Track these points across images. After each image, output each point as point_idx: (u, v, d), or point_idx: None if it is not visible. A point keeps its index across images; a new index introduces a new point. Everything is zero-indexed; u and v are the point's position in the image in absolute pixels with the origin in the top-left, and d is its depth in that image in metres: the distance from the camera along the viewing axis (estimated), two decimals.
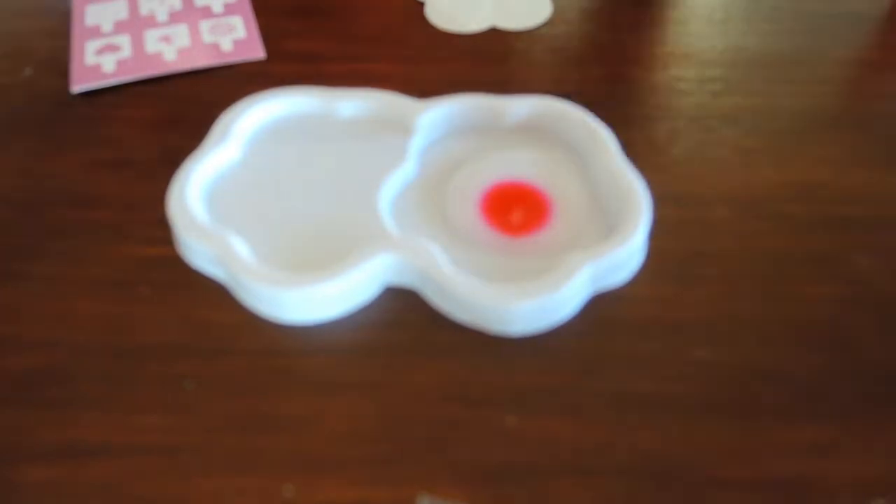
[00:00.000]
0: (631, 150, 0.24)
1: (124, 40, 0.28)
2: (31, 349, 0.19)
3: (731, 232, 0.22)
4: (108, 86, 0.27)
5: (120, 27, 0.29)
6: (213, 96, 0.26)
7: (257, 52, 0.28)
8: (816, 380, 0.19)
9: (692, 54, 0.28)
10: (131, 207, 0.23)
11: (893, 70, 0.28)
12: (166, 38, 0.28)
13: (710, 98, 0.27)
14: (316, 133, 0.24)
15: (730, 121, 0.26)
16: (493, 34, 0.29)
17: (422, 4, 0.31)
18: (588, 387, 0.19)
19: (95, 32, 0.29)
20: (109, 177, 0.24)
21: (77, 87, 0.26)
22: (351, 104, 0.25)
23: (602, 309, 0.20)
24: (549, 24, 0.30)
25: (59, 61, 0.28)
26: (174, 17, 0.29)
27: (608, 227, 0.21)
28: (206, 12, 0.30)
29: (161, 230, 0.22)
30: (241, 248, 0.20)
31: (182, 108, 0.26)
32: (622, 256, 0.20)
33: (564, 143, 0.24)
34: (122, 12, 0.30)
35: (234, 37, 0.29)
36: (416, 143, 0.24)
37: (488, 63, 0.28)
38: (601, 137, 0.23)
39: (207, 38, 0.29)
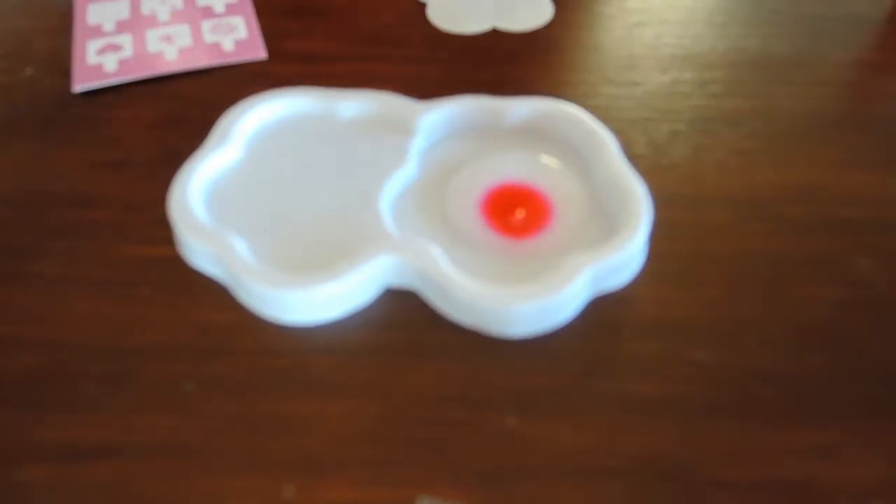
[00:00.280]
0: (631, 151, 0.24)
1: (126, 40, 0.28)
2: (32, 349, 0.19)
3: (731, 234, 0.22)
4: (109, 85, 0.27)
5: (121, 27, 0.29)
6: (214, 96, 0.26)
7: (259, 53, 0.28)
8: (817, 382, 0.19)
9: (693, 56, 0.29)
10: (132, 207, 0.23)
11: (894, 72, 0.28)
12: (168, 38, 0.28)
13: (711, 100, 0.27)
14: (317, 134, 0.24)
15: (730, 123, 0.26)
16: (494, 35, 0.29)
17: (423, 5, 0.31)
18: (588, 388, 0.19)
19: (97, 32, 0.29)
20: (110, 177, 0.24)
21: (78, 86, 0.26)
22: (352, 105, 0.25)
23: (602, 311, 0.20)
24: (550, 25, 0.30)
25: (60, 60, 0.28)
26: (176, 17, 0.30)
27: (609, 229, 0.21)
28: (208, 12, 0.30)
29: (162, 230, 0.22)
30: (241, 248, 0.20)
31: (183, 108, 0.26)
32: (623, 258, 0.20)
33: (565, 144, 0.24)
34: (123, 12, 0.30)
35: (235, 37, 0.29)
36: (417, 144, 0.24)
37: (489, 64, 0.28)
38: (602, 139, 0.23)
39: (209, 37, 0.29)
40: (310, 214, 0.22)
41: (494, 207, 0.22)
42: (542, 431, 0.18)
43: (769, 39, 0.29)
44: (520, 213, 0.22)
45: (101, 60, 0.27)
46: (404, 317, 0.20)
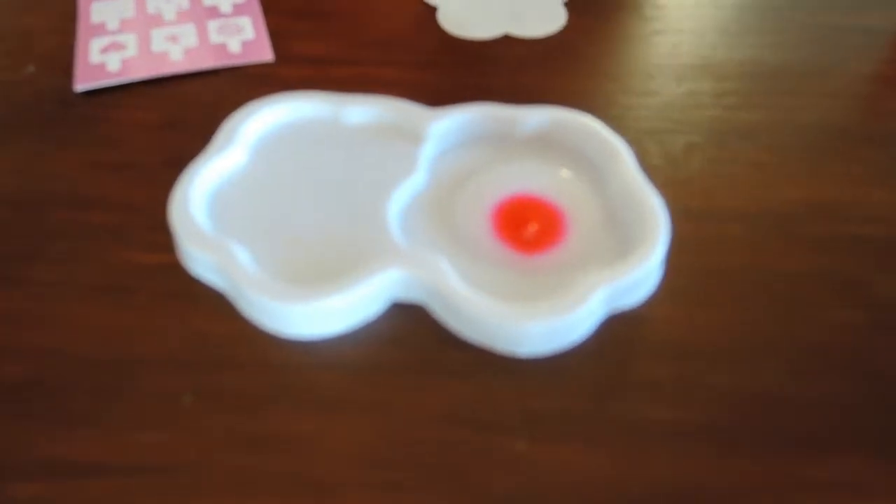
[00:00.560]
0: (647, 163, 0.23)
1: (130, 39, 0.28)
2: (23, 358, 0.19)
3: (747, 250, 0.22)
4: (112, 85, 0.26)
5: (126, 25, 0.28)
6: (219, 98, 0.26)
7: (265, 55, 0.27)
8: (841, 409, 0.18)
9: (709, 66, 0.28)
10: (132, 211, 0.22)
11: None
12: (173, 38, 0.28)
13: (726, 112, 0.26)
14: (323, 139, 0.23)
15: (746, 135, 0.25)
16: (506, 41, 0.29)
17: (434, 9, 0.30)
18: (601, 413, 0.18)
19: (101, 30, 0.28)
20: (110, 179, 0.23)
21: (80, 85, 0.26)
22: (360, 110, 0.24)
23: (616, 330, 0.20)
24: (563, 32, 0.29)
25: (62, 59, 0.27)
26: (182, 16, 0.29)
27: (624, 244, 0.21)
28: (214, 12, 0.29)
29: (162, 236, 0.21)
30: (243, 257, 0.20)
31: (187, 109, 0.26)
32: (639, 276, 0.20)
33: (579, 155, 0.23)
34: (128, 10, 0.29)
35: (242, 38, 0.28)
36: (427, 152, 0.23)
37: (501, 71, 0.27)
38: (618, 151, 0.23)
39: (215, 38, 0.28)
40: (315, 223, 0.21)
41: (506, 221, 0.21)
42: (553, 456, 0.17)
43: (785, 50, 0.29)
44: (532, 227, 0.21)
45: (104, 59, 0.27)
46: (411, 332, 0.20)
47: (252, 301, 0.19)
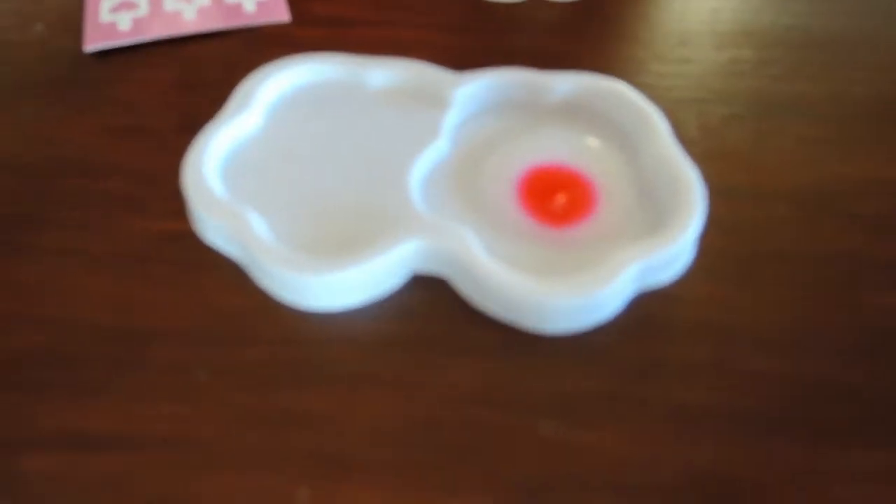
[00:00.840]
0: (683, 135, 0.22)
1: None
2: (34, 327, 0.18)
3: (795, 231, 0.20)
4: (122, 46, 0.25)
5: None
6: (234, 60, 0.25)
7: (282, 15, 0.26)
8: (888, 397, 0.17)
9: (752, 33, 0.26)
10: (145, 177, 0.21)
11: None
12: None
13: (771, 82, 0.25)
14: (343, 104, 0.22)
15: (792, 108, 0.24)
16: (536, 3, 0.27)
17: None
18: (631, 394, 0.17)
19: None
20: (122, 144, 0.22)
21: (90, 46, 0.25)
22: (381, 74, 0.23)
23: (648, 308, 0.19)
24: None
25: (71, 17, 0.26)
26: None
27: (657, 217, 0.20)
28: None
29: (175, 203, 0.20)
30: (259, 226, 0.19)
31: (201, 72, 0.25)
32: (673, 253, 0.19)
33: (612, 124, 0.22)
34: None
35: None
36: (451, 118, 0.22)
37: (529, 34, 0.26)
38: (652, 121, 0.21)
39: None
40: (333, 191, 0.20)
41: (533, 192, 0.20)
42: (580, 440, 0.16)
43: (836, 17, 0.27)
44: (560, 199, 0.20)
45: (114, 19, 0.26)
46: (433, 306, 0.19)
47: (268, 272, 0.18)
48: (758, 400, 0.17)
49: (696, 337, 0.18)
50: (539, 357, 0.18)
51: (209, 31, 0.25)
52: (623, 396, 0.17)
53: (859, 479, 0.16)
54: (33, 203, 0.21)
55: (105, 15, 0.26)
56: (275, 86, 0.22)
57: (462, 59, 0.24)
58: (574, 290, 0.18)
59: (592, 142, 0.22)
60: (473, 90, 0.22)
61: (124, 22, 0.26)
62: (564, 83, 0.22)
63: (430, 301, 0.19)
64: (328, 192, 0.20)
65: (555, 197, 0.20)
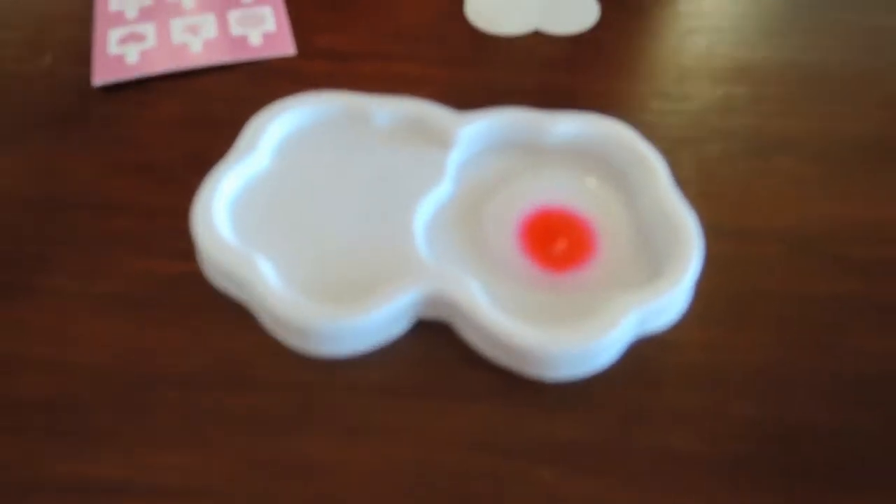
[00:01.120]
0: (679, 175, 0.22)
1: (149, 29, 0.27)
2: (42, 371, 0.19)
3: (785, 272, 0.21)
4: (131, 80, 0.25)
5: (145, 14, 0.27)
6: (240, 95, 0.25)
7: (287, 48, 0.27)
8: (879, 444, 0.18)
9: (747, 69, 0.27)
10: (152, 216, 0.22)
11: None
12: (192, 29, 0.27)
13: (765, 119, 0.25)
14: (348, 143, 0.23)
15: (785, 145, 0.24)
16: (537, 38, 0.28)
17: (461, 2, 0.29)
18: (629, 442, 0.18)
19: (119, 19, 0.27)
20: (130, 181, 0.23)
21: (99, 80, 0.25)
22: (386, 112, 0.23)
23: (644, 355, 0.19)
24: (595, 28, 0.28)
25: (80, 48, 0.26)
26: (201, 5, 0.28)
27: (655, 263, 0.20)
28: (235, 1, 0.28)
29: (183, 243, 0.21)
30: (267, 270, 0.19)
31: (207, 106, 0.25)
32: (669, 301, 0.19)
33: (611, 166, 0.23)
34: None
35: (263, 29, 0.27)
36: (454, 158, 0.22)
37: (530, 70, 0.26)
38: (651, 163, 0.22)
39: (235, 29, 0.27)
40: (340, 234, 0.21)
41: (534, 236, 0.21)
42: (579, 487, 0.17)
43: (830, 53, 0.27)
44: (560, 244, 0.21)
45: (122, 51, 0.26)
46: (436, 352, 0.19)
47: (276, 317, 0.19)
48: (748, 446, 0.18)
49: (687, 383, 0.19)
50: (539, 403, 0.18)
51: (216, 64, 0.26)
52: (617, 444, 0.18)
53: None
54: (39, 242, 0.21)
55: (113, 47, 0.26)
56: (282, 125, 0.23)
57: (465, 94, 0.25)
58: (575, 339, 0.18)
59: (592, 183, 0.22)
60: (477, 130, 0.23)
61: (132, 55, 0.26)
62: (566, 124, 0.23)
63: (433, 346, 0.19)
64: (334, 235, 0.21)
65: (556, 242, 0.21)
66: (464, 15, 0.28)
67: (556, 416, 0.18)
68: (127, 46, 0.26)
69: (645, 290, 0.19)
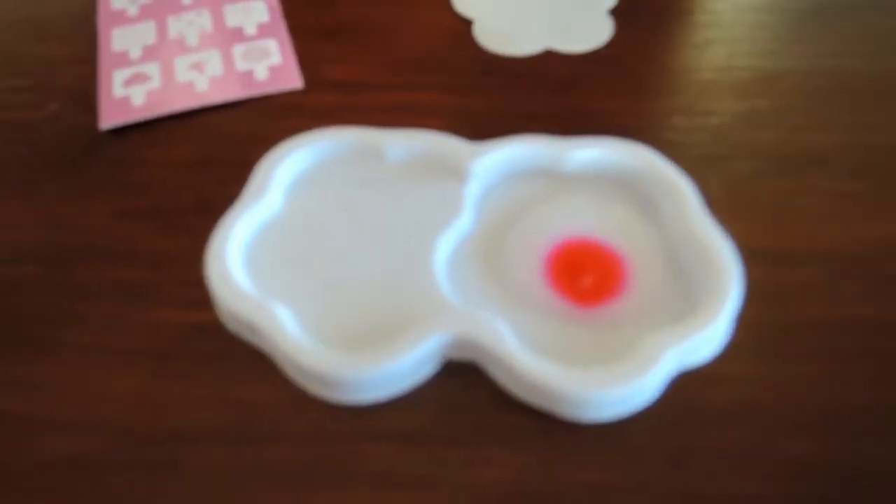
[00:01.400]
0: (708, 194, 0.21)
1: (153, 68, 0.26)
2: (61, 431, 0.18)
3: (830, 297, 0.20)
4: (138, 121, 0.25)
5: (148, 53, 0.27)
6: (249, 132, 0.25)
7: (294, 81, 0.26)
8: None
9: (770, 80, 0.26)
10: (165, 265, 0.21)
11: None
12: (197, 66, 0.26)
13: (793, 132, 0.24)
14: (362, 180, 0.22)
15: (818, 160, 0.23)
16: (548, 57, 0.27)
17: (469, 23, 0.28)
18: (673, 486, 0.17)
19: (123, 60, 0.27)
20: (140, 228, 0.22)
21: (105, 124, 0.25)
22: (399, 147, 0.22)
23: (684, 392, 0.18)
24: (609, 45, 0.27)
25: (86, 92, 0.26)
26: (205, 41, 0.27)
27: (690, 293, 0.19)
28: (238, 34, 0.28)
29: (198, 291, 0.20)
30: (286, 318, 0.19)
31: (215, 146, 0.24)
32: (709, 335, 0.18)
33: (636, 191, 0.22)
34: (150, 36, 0.28)
35: (269, 63, 0.27)
36: (472, 191, 0.22)
37: (544, 92, 0.26)
38: (678, 187, 0.21)
39: (241, 64, 0.27)
40: (359, 276, 0.20)
41: (560, 269, 0.20)
42: None
43: (859, 59, 0.26)
44: (589, 278, 0.20)
45: (128, 93, 0.26)
46: (464, 395, 0.18)
47: (297, 366, 0.18)
48: (799, 487, 0.17)
49: (730, 421, 0.18)
50: (574, 447, 0.17)
51: (223, 102, 0.25)
52: (658, 488, 0.17)
53: None
54: (54, 295, 0.21)
55: (119, 89, 0.26)
56: (292, 165, 0.22)
57: (478, 121, 0.24)
58: (612, 379, 0.17)
59: (617, 210, 0.21)
60: (493, 161, 0.22)
61: (138, 96, 0.25)
62: (585, 149, 0.22)
63: (462, 388, 0.19)
64: (352, 277, 0.20)
65: (583, 274, 0.20)
66: (472, 37, 0.28)
67: (595, 460, 0.17)
68: (132, 88, 0.26)
69: (683, 322, 0.18)
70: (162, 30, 0.28)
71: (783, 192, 0.22)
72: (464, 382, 0.19)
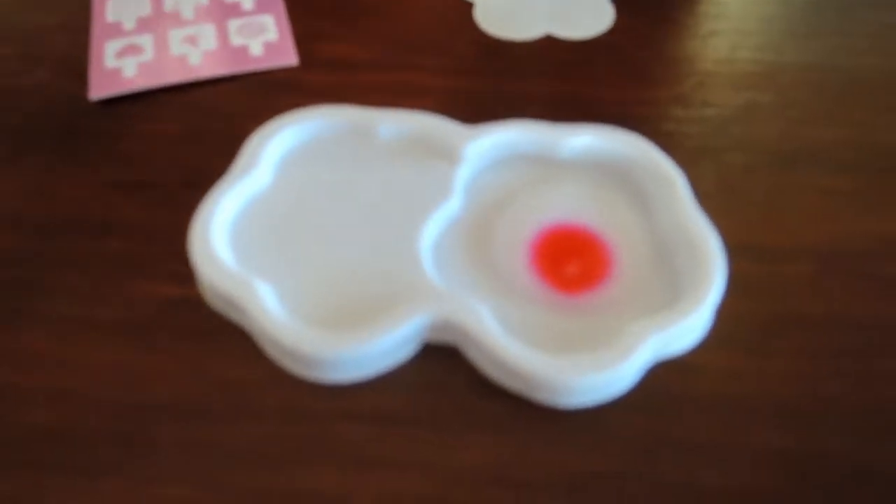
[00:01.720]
0: (700, 187, 0.21)
1: (147, 40, 0.26)
2: (38, 401, 0.18)
3: (815, 293, 0.20)
4: (128, 93, 0.25)
5: (143, 25, 0.27)
6: (241, 108, 0.24)
7: (290, 58, 0.26)
8: None
9: (772, 74, 0.25)
10: (151, 237, 0.21)
11: None
12: (191, 39, 0.26)
13: (792, 127, 0.24)
14: (352, 159, 0.22)
15: (814, 156, 0.23)
16: (549, 42, 0.26)
17: (470, 5, 0.28)
18: (649, 475, 0.17)
19: (116, 30, 0.27)
20: (127, 200, 0.22)
21: (95, 95, 0.24)
22: (392, 127, 0.22)
23: (663, 381, 0.18)
24: (611, 32, 0.27)
25: (76, 61, 0.26)
26: (200, 14, 0.27)
27: (674, 284, 0.19)
28: (235, 9, 0.27)
29: (182, 266, 0.20)
30: (268, 296, 0.18)
31: (207, 121, 0.24)
32: (690, 325, 0.18)
33: (627, 180, 0.21)
34: (145, 7, 0.27)
35: (264, 39, 0.26)
36: (463, 174, 0.21)
37: (542, 77, 0.25)
38: (670, 178, 0.21)
39: (236, 39, 0.26)
40: (344, 256, 0.20)
41: (547, 256, 0.20)
42: None
43: (861, 56, 0.26)
44: (575, 265, 0.20)
45: (120, 64, 0.25)
46: (444, 378, 0.18)
47: (277, 344, 0.18)
48: (774, 480, 0.17)
49: (708, 411, 0.18)
50: (552, 433, 0.17)
51: (216, 76, 0.25)
52: (634, 476, 0.17)
53: None
54: (34, 265, 0.21)
55: (110, 60, 0.25)
56: (282, 141, 0.22)
57: (474, 104, 0.24)
58: (590, 366, 0.17)
59: (607, 198, 0.21)
60: (486, 144, 0.22)
61: (130, 68, 0.25)
62: (579, 137, 0.22)
63: (441, 371, 0.18)
64: (338, 257, 0.20)
65: (569, 262, 0.20)
66: (472, 20, 0.27)
67: (571, 447, 0.17)
68: (125, 59, 0.25)
69: (664, 312, 0.18)
70: (157, 2, 0.28)
71: (775, 187, 0.22)
72: (443, 366, 0.19)
